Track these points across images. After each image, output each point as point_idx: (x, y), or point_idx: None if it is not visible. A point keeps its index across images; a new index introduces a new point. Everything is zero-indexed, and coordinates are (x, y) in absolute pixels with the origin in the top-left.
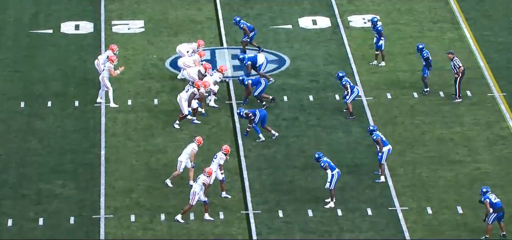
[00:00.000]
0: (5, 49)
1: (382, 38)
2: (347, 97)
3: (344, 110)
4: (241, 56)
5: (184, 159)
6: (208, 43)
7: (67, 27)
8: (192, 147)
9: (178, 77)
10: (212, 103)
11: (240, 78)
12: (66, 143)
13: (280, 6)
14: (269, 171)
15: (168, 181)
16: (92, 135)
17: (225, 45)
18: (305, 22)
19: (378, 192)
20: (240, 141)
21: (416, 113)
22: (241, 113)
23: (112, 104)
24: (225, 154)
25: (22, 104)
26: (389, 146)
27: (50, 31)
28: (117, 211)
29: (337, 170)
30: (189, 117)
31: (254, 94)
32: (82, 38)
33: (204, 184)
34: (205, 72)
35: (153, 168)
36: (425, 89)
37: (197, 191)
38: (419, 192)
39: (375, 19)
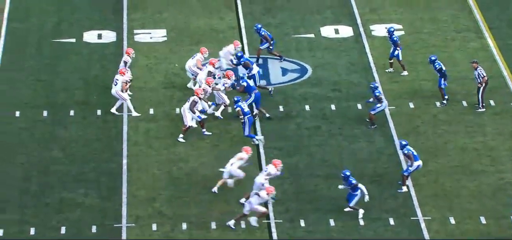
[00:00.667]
0: (28, 58)
1: (398, 48)
2: (376, 108)
3: (367, 119)
4: (239, 54)
5: (235, 167)
6: None
7: (90, 36)
8: (240, 156)
9: (188, 85)
10: (217, 113)
11: (241, 76)
12: (88, 152)
13: (302, 15)
14: (291, 180)
15: (230, 183)
16: (114, 143)
17: (247, 55)
18: (328, 31)
19: (401, 201)
20: (262, 150)
21: (438, 123)
22: (237, 106)
23: (134, 113)
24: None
25: (45, 113)
26: (420, 162)
27: (73, 40)
28: (139, 220)
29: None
30: (199, 128)
31: (257, 107)
32: (104, 47)
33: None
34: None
35: (175, 177)
36: (443, 101)
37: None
38: (442, 202)
39: (392, 29)
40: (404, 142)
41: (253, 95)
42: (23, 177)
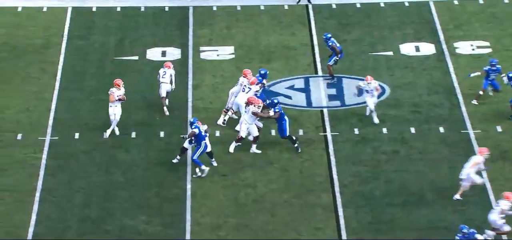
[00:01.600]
0: (89, 77)
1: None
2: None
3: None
4: (263, 71)
5: (472, 173)
6: (302, 70)
7: (153, 54)
8: (475, 160)
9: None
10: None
11: (275, 100)
12: (151, 176)
13: (381, 31)
14: (367, 209)
15: (457, 196)
16: (178, 167)
17: (320, 73)
18: (408, 48)
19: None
20: (335, 176)
21: None
22: (195, 127)
23: (107, 133)
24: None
25: (107, 134)
26: None
27: (136, 57)
28: None
29: None
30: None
31: (285, 135)
32: None
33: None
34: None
35: (242, 203)
36: None
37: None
38: None
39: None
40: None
41: (283, 121)
42: (83, 203)
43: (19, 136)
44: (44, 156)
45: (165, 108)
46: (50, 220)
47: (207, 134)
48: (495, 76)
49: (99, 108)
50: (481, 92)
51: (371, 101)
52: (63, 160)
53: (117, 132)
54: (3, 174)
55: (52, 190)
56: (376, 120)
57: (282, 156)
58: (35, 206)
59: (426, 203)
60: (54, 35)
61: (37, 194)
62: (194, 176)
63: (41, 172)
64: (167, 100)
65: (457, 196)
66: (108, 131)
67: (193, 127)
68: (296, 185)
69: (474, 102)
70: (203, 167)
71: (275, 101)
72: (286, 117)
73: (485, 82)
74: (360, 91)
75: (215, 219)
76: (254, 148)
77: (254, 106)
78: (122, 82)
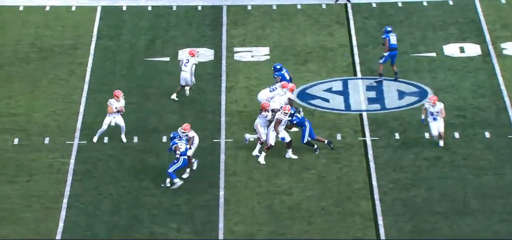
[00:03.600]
0: (118, 78)
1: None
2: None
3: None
4: (278, 66)
5: None
6: (340, 72)
7: (186, 55)
8: None
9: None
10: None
11: (292, 111)
12: (182, 182)
13: (423, 31)
14: (408, 217)
15: None
16: (210, 173)
17: (359, 74)
18: (451, 49)
19: None
20: (375, 183)
21: None
22: (174, 143)
23: (95, 138)
24: None
25: (135, 139)
26: None
27: (167, 59)
28: None
29: None
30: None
31: (303, 142)
32: (201, 67)
33: None
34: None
35: (277, 211)
36: None
37: None
38: None
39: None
40: None
41: (306, 125)
42: (111, 210)
43: (47, 140)
44: (72, 161)
45: (175, 94)
46: (77, 227)
47: (188, 147)
48: None
49: (129, 111)
50: None
51: (435, 126)
52: (91, 165)
53: (124, 139)
54: (30, 179)
55: (80, 196)
56: (441, 144)
57: (318, 161)
58: (63, 213)
59: (470, 212)
60: (83, 35)
61: (65, 200)
62: (171, 187)
63: (69, 178)
64: (187, 89)
65: None
66: (95, 138)
67: (172, 143)
68: (333, 192)
69: None
70: (176, 180)
71: (291, 110)
72: (306, 123)
73: None
74: (425, 112)
75: (249, 227)
76: (290, 153)
77: (281, 113)
78: (122, 94)
